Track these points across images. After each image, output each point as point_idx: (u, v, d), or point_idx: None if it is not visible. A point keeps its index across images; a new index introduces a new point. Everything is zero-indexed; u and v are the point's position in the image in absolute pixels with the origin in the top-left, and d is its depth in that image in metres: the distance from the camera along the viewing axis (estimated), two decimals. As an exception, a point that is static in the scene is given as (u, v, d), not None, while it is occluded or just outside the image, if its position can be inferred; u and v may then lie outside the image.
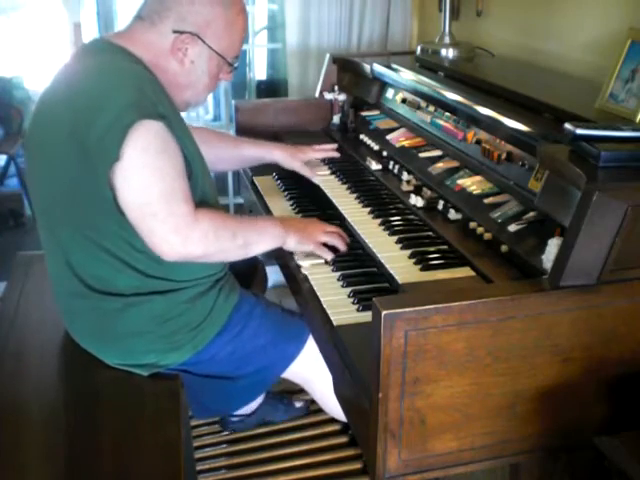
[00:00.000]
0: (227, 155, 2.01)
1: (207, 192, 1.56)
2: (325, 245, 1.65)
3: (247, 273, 1.96)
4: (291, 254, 1.69)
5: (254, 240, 1.56)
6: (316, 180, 2.01)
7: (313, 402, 2.13)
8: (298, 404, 2.24)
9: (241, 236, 1.52)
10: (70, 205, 1.48)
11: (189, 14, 1.49)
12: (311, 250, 1.64)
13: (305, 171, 2.03)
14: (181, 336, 1.56)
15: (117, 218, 1.43)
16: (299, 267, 1.64)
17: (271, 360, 1.67)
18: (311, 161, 2.09)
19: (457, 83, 1.97)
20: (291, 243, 1.63)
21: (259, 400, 2.10)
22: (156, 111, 1.39)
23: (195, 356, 1.58)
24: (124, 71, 1.45)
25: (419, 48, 2.43)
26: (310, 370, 1.69)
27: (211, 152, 1.79)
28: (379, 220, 1.72)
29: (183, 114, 1.63)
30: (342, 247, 1.66)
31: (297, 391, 2.23)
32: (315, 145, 2.15)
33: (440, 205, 1.70)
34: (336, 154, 2.13)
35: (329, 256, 1.63)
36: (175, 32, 1.50)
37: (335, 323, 1.40)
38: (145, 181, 1.38)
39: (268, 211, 2.00)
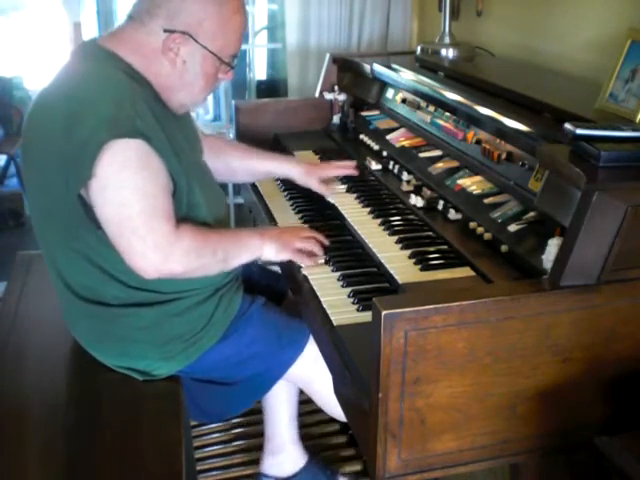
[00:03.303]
0: (237, 167, 1.92)
1: (197, 204, 1.51)
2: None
3: (277, 293, 1.92)
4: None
5: (234, 254, 1.54)
6: (332, 199, 1.91)
7: (357, 475, 2.06)
8: (341, 478, 2.01)
9: (221, 251, 1.50)
10: (55, 216, 1.46)
11: (180, 12, 1.44)
12: (289, 258, 1.61)
13: (322, 189, 1.93)
14: (173, 347, 1.54)
15: (95, 232, 1.42)
16: (299, 268, 1.63)
17: (269, 365, 1.65)
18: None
19: (457, 83, 1.97)
20: (269, 253, 1.59)
21: (299, 464, 1.94)
22: (134, 128, 1.35)
23: (192, 364, 1.57)
24: (104, 83, 1.41)
25: (419, 48, 2.43)
26: (310, 372, 1.68)
27: (220, 162, 1.75)
28: (379, 220, 1.72)
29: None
30: (319, 252, 1.64)
31: (344, 459, 2.13)
32: (334, 161, 2.05)
33: (440, 205, 1.70)
34: (355, 172, 1.99)
35: (307, 262, 1.61)
36: (166, 31, 1.45)
37: (335, 323, 1.40)
38: (125, 199, 1.35)
39: (268, 211, 1.99)
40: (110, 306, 1.51)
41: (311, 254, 1.62)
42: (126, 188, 1.35)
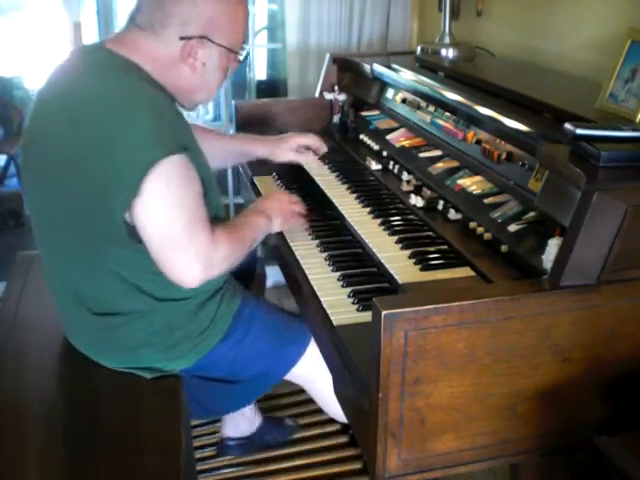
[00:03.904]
0: (212, 150, 1.86)
1: (217, 205, 1.55)
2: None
3: (245, 274, 1.95)
4: (290, 250, 1.71)
5: (254, 240, 1.60)
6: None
7: (300, 415, 2.16)
8: (289, 422, 2.22)
9: (247, 243, 1.56)
10: (77, 232, 1.44)
11: (193, 18, 1.43)
12: (294, 225, 1.73)
13: (298, 158, 2.00)
14: (183, 345, 1.55)
15: (132, 245, 1.41)
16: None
17: (272, 365, 1.66)
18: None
19: (457, 83, 1.97)
20: (276, 227, 1.69)
21: (256, 423, 2.10)
22: (178, 143, 1.35)
23: (197, 362, 1.58)
24: (141, 99, 1.38)
25: (419, 48, 2.43)
26: (311, 371, 1.69)
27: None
28: (379, 220, 1.72)
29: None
30: (304, 211, 1.78)
31: (281, 407, 2.27)
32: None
33: (440, 205, 1.70)
34: (320, 147, 2.04)
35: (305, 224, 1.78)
36: (182, 39, 1.44)
37: (335, 323, 1.40)
38: (168, 216, 1.36)
39: (268, 211, 1.99)
40: (123, 315, 1.51)
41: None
42: (169, 204, 1.36)
